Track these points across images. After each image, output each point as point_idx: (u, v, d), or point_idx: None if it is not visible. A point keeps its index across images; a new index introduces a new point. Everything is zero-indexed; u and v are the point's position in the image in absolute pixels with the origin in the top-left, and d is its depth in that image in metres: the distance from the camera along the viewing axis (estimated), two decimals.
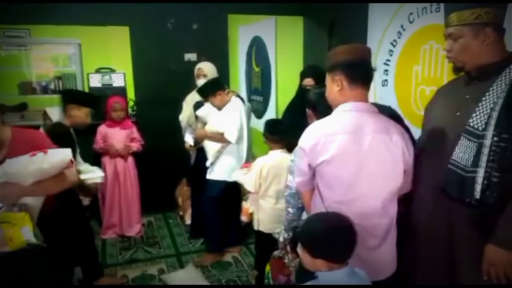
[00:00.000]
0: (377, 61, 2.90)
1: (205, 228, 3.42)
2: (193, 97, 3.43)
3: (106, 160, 3.64)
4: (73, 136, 2.85)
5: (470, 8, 1.51)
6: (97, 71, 4.13)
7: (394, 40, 2.75)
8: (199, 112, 3.28)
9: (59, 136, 2.53)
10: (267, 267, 2.42)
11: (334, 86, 1.61)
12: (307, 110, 2.10)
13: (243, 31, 5.16)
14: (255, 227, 2.79)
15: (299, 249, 1.41)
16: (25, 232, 1.56)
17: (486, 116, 1.49)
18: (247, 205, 2.83)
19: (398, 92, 2.72)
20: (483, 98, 1.52)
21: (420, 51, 2.53)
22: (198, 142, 3.39)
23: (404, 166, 1.59)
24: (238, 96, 3.31)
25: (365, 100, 1.61)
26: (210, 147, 3.21)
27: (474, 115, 1.53)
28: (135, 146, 3.68)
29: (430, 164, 1.71)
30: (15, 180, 1.52)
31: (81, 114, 2.89)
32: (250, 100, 5.13)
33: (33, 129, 2.03)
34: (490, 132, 1.47)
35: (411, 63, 2.61)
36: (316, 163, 1.56)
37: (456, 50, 1.59)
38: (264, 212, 2.72)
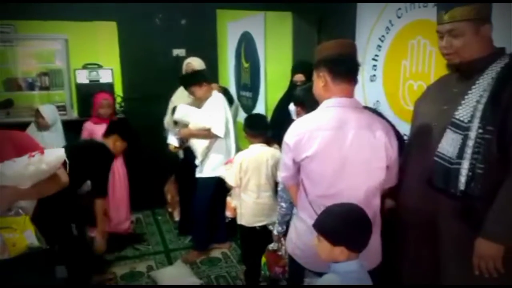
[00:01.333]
0: (366, 56, 2.91)
1: (193, 225, 3.40)
2: (181, 95, 3.37)
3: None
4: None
5: (471, 3, 1.51)
6: (84, 67, 4.08)
7: (383, 36, 2.75)
8: (177, 115, 3.15)
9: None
10: (263, 260, 2.48)
11: (319, 82, 1.63)
12: (294, 107, 2.12)
13: (232, 27, 5.13)
14: (238, 221, 2.81)
15: (315, 239, 1.42)
16: (28, 236, 1.52)
17: (471, 109, 1.51)
18: (231, 200, 2.85)
19: (386, 87, 2.73)
20: (469, 92, 1.54)
21: (408, 46, 2.54)
22: (183, 142, 3.32)
23: (387, 161, 1.60)
24: (227, 92, 3.29)
25: (350, 95, 1.61)
26: (198, 145, 3.16)
27: (460, 107, 1.54)
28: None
29: (418, 157, 1.73)
30: (13, 183, 1.45)
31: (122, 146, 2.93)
32: (239, 96, 5.12)
33: (19, 126, 2.00)
34: (475, 124, 1.49)
35: (399, 58, 2.62)
36: (300, 159, 1.58)
37: (457, 47, 1.56)
38: (246, 206, 2.74)
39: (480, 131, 1.48)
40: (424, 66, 2.43)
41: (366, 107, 2.23)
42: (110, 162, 2.84)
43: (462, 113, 1.53)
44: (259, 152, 2.70)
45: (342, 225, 1.37)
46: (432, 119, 1.68)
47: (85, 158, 2.56)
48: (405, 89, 2.58)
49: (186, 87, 3.16)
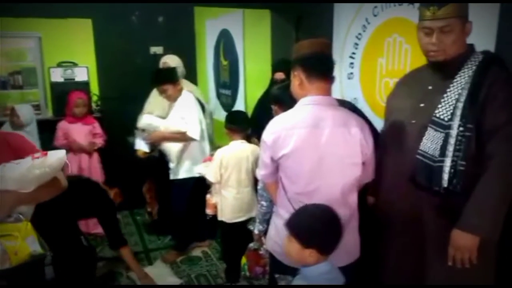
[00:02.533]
0: (343, 54, 2.93)
1: (172, 225, 3.36)
2: (158, 94, 3.27)
3: (69, 156, 3.53)
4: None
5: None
6: (59, 65, 3.99)
7: (359, 34, 2.78)
8: (143, 123, 3.09)
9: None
10: (243, 260, 2.47)
11: (295, 81, 1.66)
12: (272, 106, 2.12)
13: (210, 25, 5.10)
14: (219, 218, 2.82)
15: (285, 239, 1.42)
16: (30, 243, 1.44)
17: (451, 107, 1.54)
18: (211, 197, 2.85)
19: (364, 84, 2.76)
20: (448, 90, 1.57)
21: (384, 44, 2.57)
22: (154, 146, 3.19)
23: (363, 158, 1.63)
24: (198, 100, 3.24)
25: (325, 93, 1.63)
26: (172, 149, 3.09)
27: (439, 106, 1.57)
28: (100, 142, 3.59)
29: (397, 154, 1.75)
30: (16, 187, 1.36)
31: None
32: (218, 94, 5.10)
33: None
34: (456, 123, 1.52)
35: (375, 56, 2.65)
36: (278, 156, 1.60)
37: (446, 44, 1.56)
38: (226, 202, 2.76)
39: (461, 129, 1.52)
40: (400, 63, 2.47)
41: (344, 101, 2.27)
42: (111, 206, 2.78)
43: (442, 111, 1.56)
44: (240, 149, 2.73)
45: (314, 227, 1.37)
46: (409, 117, 1.70)
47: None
48: (381, 86, 2.62)
49: (158, 84, 3.04)
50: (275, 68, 3.26)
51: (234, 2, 3.88)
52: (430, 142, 1.58)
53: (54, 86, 3.89)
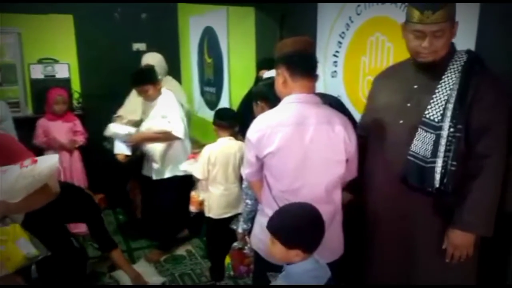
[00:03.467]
0: (327, 52, 2.94)
1: (156, 225, 3.31)
2: (134, 94, 3.22)
3: (49, 155, 3.46)
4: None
5: (450, 3, 1.53)
6: (39, 61, 3.92)
7: (343, 32, 2.79)
8: (109, 132, 3.01)
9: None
10: (227, 259, 2.45)
11: (279, 79, 1.66)
12: (257, 102, 2.11)
13: (194, 21, 5.06)
14: (206, 214, 2.82)
15: (269, 241, 1.40)
16: (22, 245, 1.36)
17: (441, 108, 1.56)
18: (195, 195, 2.85)
19: (347, 82, 2.77)
20: (436, 90, 1.58)
21: (367, 42, 2.59)
22: (136, 148, 3.09)
23: (346, 155, 1.64)
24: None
25: (309, 91, 1.64)
26: (155, 149, 3.04)
27: (429, 107, 1.58)
28: (81, 140, 3.54)
29: (385, 154, 1.75)
30: (3, 197, 1.28)
31: None
32: (202, 91, 5.07)
33: None
34: (446, 124, 1.54)
35: (359, 54, 2.66)
36: (263, 155, 1.60)
37: (437, 46, 1.56)
38: (214, 198, 2.77)
39: (452, 130, 1.54)
40: (382, 61, 2.49)
41: (330, 96, 2.32)
42: (97, 211, 2.74)
43: (432, 112, 1.58)
44: (227, 145, 2.76)
45: (296, 228, 1.35)
46: (397, 116, 1.71)
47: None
48: (364, 84, 2.63)
49: (138, 85, 2.96)
50: (259, 66, 3.26)
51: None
52: (421, 143, 1.60)
53: (34, 83, 3.82)
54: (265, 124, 1.60)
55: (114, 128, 3.06)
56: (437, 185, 1.56)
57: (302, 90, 1.62)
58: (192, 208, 2.88)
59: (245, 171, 1.78)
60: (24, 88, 4.06)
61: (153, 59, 3.34)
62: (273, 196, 1.64)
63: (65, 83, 3.81)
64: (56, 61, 3.95)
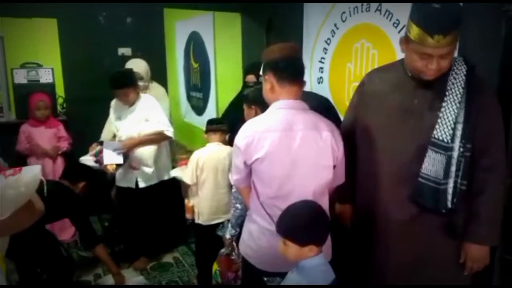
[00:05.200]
0: (313, 59, 2.97)
1: (142, 232, 3.22)
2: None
3: (32, 161, 3.41)
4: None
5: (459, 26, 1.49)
6: (22, 66, 3.85)
7: (328, 39, 2.82)
8: (107, 160, 2.82)
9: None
10: (214, 266, 2.43)
11: (266, 85, 1.67)
12: (252, 106, 2.12)
13: (180, 26, 5.05)
14: (196, 221, 2.81)
15: (280, 245, 1.43)
16: None
17: (450, 128, 1.53)
18: (188, 202, 2.84)
19: (333, 89, 2.80)
20: (443, 109, 1.54)
21: (353, 49, 2.62)
22: (127, 156, 2.92)
23: (334, 161, 1.65)
24: None
25: (296, 97, 1.65)
26: (147, 153, 2.95)
27: (437, 126, 1.55)
28: (64, 146, 3.49)
29: (389, 171, 1.70)
30: None
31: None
32: (189, 97, 5.05)
33: None
34: (457, 144, 1.53)
35: (344, 60, 2.69)
36: (251, 161, 1.60)
37: (444, 66, 1.52)
38: (203, 204, 2.76)
39: (461, 149, 1.53)
40: (367, 68, 2.52)
41: (321, 97, 2.38)
42: (82, 205, 2.69)
43: (441, 133, 1.54)
44: (216, 150, 2.74)
45: (307, 225, 1.41)
46: (399, 134, 1.66)
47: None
48: (350, 91, 2.66)
49: (119, 88, 2.85)
50: (247, 70, 3.27)
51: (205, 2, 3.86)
52: (431, 165, 1.56)
53: (17, 88, 3.75)
54: (253, 130, 1.60)
55: (108, 152, 2.85)
56: (450, 206, 1.56)
57: (289, 96, 1.62)
58: (188, 216, 2.84)
59: (233, 178, 1.78)
60: (7, 93, 3.98)
61: (137, 66, 3.28)
62: (261, 202, 1.64)
63: (49, 88, 3.76)
64: (39, 66, 3.89)
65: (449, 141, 1.53)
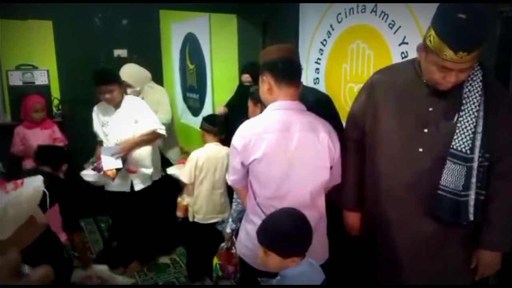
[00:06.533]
0: (309, 59, 2.98)
1: (137, 236, 3.13)
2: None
3: (27, 163, 3.38)
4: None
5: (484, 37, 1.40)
6: (18, 68, 3.83)
7: (324, 40, 2.84)
8: (107, 166, 2.73)
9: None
10: (215, 260, 2.48)
11: (264, 86, 1.67)
12: (256, 104, 2.12)
13: (176, 28, 5.06)
14: (190, 219, 2.83)
15: (261, 253, 1.40)
16: None
17: (469, 138, 1.47)
18: (181, 200, 2.86)
19: (329, 89, 2.81)
20: (460, 118, 1.49)
21: (348, 49, 2.63)
22: (125, 160, 2.80)
23: (330, 162, 1.66)
24: None
25: (293, 98, 1.66)
26: (144, 154, 2.90)
27: (456, 137, 1.49)
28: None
29: (404, 182, 1.63)
30: None
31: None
32: (185, 98, 5.05)
33: None
34: (476, 155, 1.48)
35: (340, 61, 2.71)
36: (249, 161, 1.60)
37: (462, 79, 1.47)
38: (200, 203, 2.79)
39: (480, 159, 1.48)
40: (363, 68, 2.54)
41: (321, 93, 2.34)
42: (68, 189, 2.60)
43: (460, 143, 1.49)
44: (214, 150, 2.79)
45: (292, 238, 1.36)
46: (414, 143, 1.59)
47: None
48: (346, 91, 2.68)
49: (103, 84, 2.73)
50: (242, 71, 3.29)
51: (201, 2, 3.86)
52: (450, 176, 1.51)
53: (13, 90, 3.73)
54: (250, 131, 1.60)
55: (106, 158, 2.75)
56: (472, 218, 1.51)
57: (286, 97, 1.63)
58: (179, 214, 2.87)
59: (230, 178, 1.77)
60: (2, 95, 3.97)
61: (124, 73, 3.20)
62: (258, 203, 1.64)
63: (44, 90, 3.74)
64: (35, 68, 3.88)
65: (469, 151, 1.47)
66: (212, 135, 2.80)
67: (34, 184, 1.15)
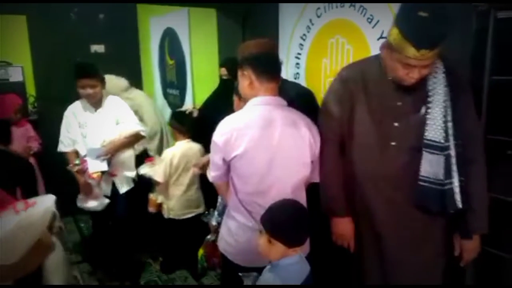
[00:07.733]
0: (289, 54, 2.97)
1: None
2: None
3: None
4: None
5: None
6: None
7: (304, 34, 2.83)
8: (93, 169, 2.62)
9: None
10: (200, 251, 2.52)
11: (244, 81, 1.66)
12: (241, 99, 2.09)
13: (154, 22, 4.98)
14: (165, 216, 2.90)
15: (264, 241, 1.37)
16: None
17: (441, 127, 1.51)
18: (154, 197, 2.92)
19: (309, 84, 2.81)
20: (429, 110, 1.53)
21: (328, 44, 2.64)
22: (109, 162, 2.70)
23: (311, 157, 1.66)
24: None
25: (274, 93, 1.65)
26: (128, 157, 2.81)
27: (427, 128, 1.53)
28: (36, 146, 3.38)
29: (381, 176, 1.66)
30: None
31: None
32: (165, 94, 4.99)
33: None
34: (452, 142, 1.52)
35: (320, 56, 2.71)
36: (230, 157, 1.59)
37: (425, 74, 1.51)
38: (175, 199, 2.87)
39: (456, 146, 1.53)
40: (342, 63, 2.54)
41: (304, 88, 2.34)
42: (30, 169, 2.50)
43: (433, 133, 1.52)
44: (187, 148, 2.85)
45: (302, 228, 1.38)
46: (386, 137, 1.62)
47: None
48: (326, 86, 2.68)
49: (85, 77, 2.61)
50: (220, 65, 3.27)
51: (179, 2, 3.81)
52: (429, 166, 1.53)
53: None
54: (231, 127, 1.59)
55: (92, 161, 2.64)
56: (460, 206, 1.53)
57: (267, 93, 1.62)
58: (151, 209, 2.94)
59: (211, 174, 1.75)
60: None
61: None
62: (240, 199, 1.64)
63: (19, 87, 3.65)
64: (9, 64, 3.77)
65: (443, 140, 1.51)
66: (182, 133, 2.88)
67: (46, 205, 1.09)
